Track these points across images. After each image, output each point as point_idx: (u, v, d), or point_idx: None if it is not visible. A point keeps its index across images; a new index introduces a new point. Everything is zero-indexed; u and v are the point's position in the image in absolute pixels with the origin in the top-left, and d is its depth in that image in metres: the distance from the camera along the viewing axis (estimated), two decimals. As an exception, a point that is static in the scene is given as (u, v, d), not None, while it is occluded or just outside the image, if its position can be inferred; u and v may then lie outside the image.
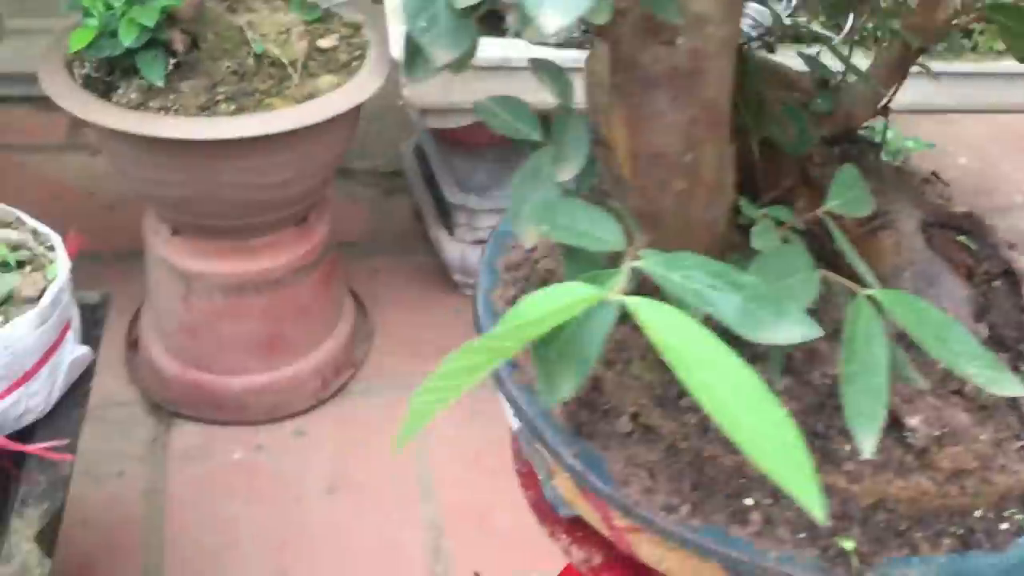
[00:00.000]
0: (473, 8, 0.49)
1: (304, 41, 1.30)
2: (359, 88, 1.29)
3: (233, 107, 1.23)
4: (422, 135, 1.81)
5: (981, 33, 1.41)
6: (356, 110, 1.31)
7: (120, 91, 1.23)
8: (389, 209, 1.91)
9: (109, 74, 1.25)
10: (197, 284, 1.41)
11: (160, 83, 1.20)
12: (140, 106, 1.21)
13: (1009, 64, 1.42)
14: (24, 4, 1.87)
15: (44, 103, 1.29)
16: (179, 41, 1.23)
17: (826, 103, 0.75)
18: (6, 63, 1.90)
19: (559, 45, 1.30)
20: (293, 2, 1.37)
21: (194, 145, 1.21)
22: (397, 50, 1.29)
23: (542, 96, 1.37)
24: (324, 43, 1.33)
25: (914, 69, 1.46)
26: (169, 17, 1.23)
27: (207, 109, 1.23)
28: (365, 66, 1.33)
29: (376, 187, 1.96)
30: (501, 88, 1.34)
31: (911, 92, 1.29)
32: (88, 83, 1.25)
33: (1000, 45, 1.42)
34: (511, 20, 1.33)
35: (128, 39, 1.13)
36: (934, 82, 1.46)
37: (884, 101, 0.75)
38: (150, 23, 1.13)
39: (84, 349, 1.02)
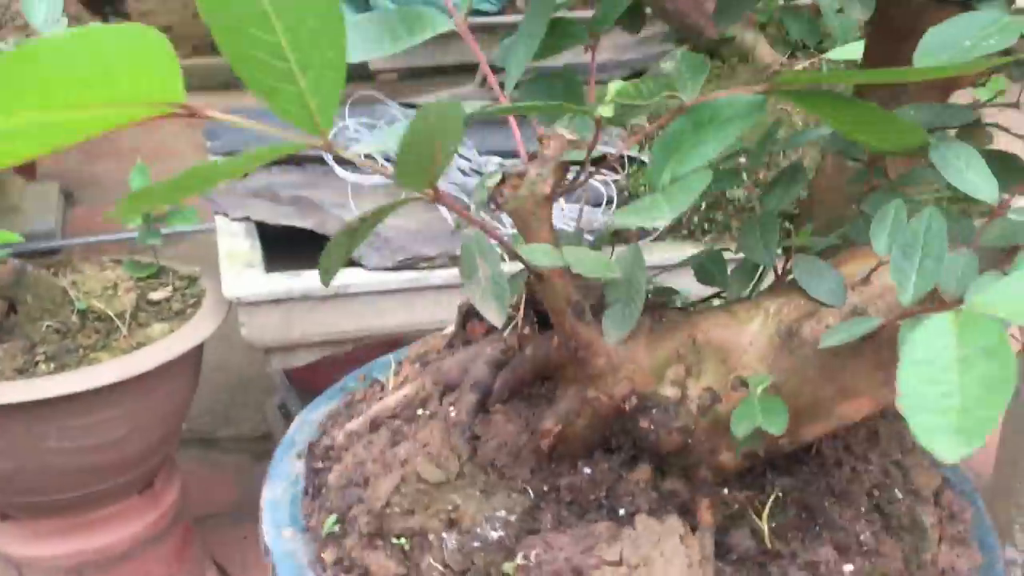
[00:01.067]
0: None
1: (132, 294, 1.26)
2: (193, 332, 1.24)
3: (53, 366, 1.16)
4: (284, 390, 1.75)
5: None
6: (193, 356, 1.26)
7: (-71, 364, 1.15)
8: (258, 474, 1.81)
9: (-80, 349, 1.18)
10: (29, 571, 1.27)
11: (-30, 347, 1.14)
12: (-49, 376, 1.14)
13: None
14: None
15: None
16: (-5, 306, 1.18)
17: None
18: None
19: (396, 268, 1.30)
20: (126, 263, 1.35)
21: (11, 410, 1.13)
22: (231, 290, 1.26)
23: (379, 320, 1.35)
24: (156, 295, 1.30)
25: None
26: (-16, 285, 1.18)
27: (25, 371, 1.16)
28: (200, 311, 1.29)
29: (243, 453, 1.86)
30: (341, 315, 1.32)
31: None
32: None
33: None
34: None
35: (-69, 304, 1.08)
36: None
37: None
38: (-46, 285, 1.09)
39: None
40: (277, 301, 1.27)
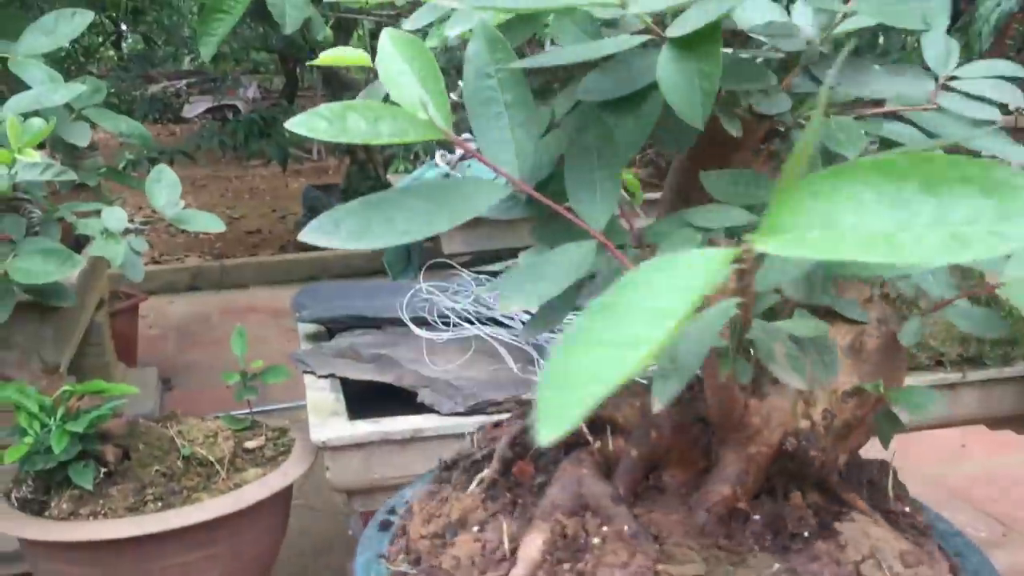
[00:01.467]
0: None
1: (230, 442, 1.40)
2: (282, 476, 1.36)
3: (160, 505, 1.29)
4: (364, 546, 1.83)
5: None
6: (283, 497, 1.37)
7: (53, 505, 1.29)
8: (339, 632, 1.87)
9: (45, 493, 1.32)
10: None
11: (89, 487, 1.27)
12: (71, 515, 1.27)
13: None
14: None
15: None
16: (110, 453, 1.32)
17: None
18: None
19: (467, 413, 1.41)
20: (224, 417, 1.49)
21: (121, 545, 1.24)
22: (318, 435, 1.38)
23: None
24: (251, 444, 1.43)
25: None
26: (102, 435, 1.33)
27: (135, 510, 1.28)
28: (290, 457, 1.41)
29: (324, 612, 1.93)
30: (418, 458, 1.43)
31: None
32: (24, 505, 1.31)
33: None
34: (423, 396, 1.45)
35: (59, 447, 1.23)
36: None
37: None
38: (79, 429, 1.23)
39: None
40: (359, 445, 1.39)
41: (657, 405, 0.61)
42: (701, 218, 0.69)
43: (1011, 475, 2.26)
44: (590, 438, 0.88)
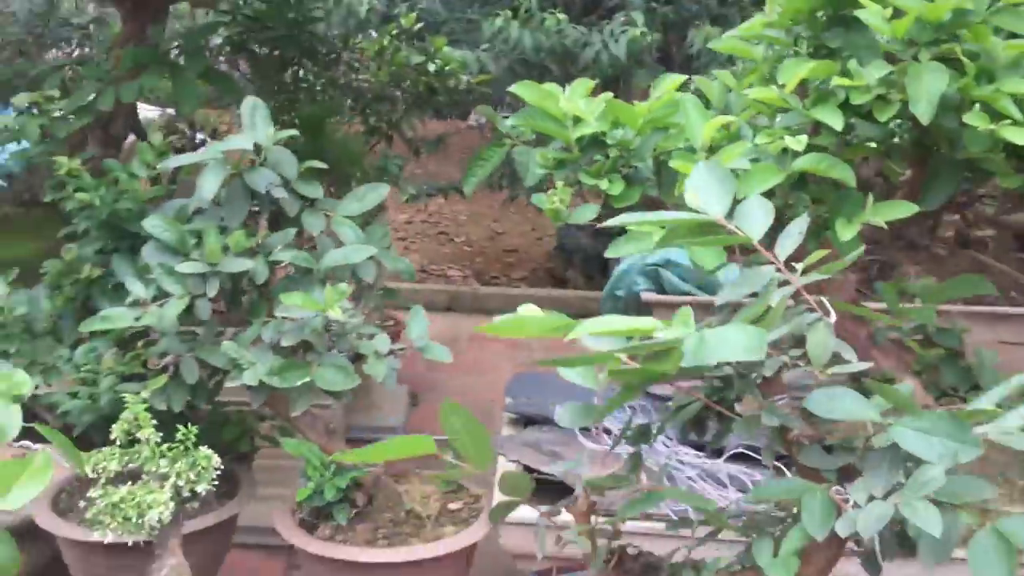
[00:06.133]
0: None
1: (439, 503, 1.98)
2: (468, 535, 1.92)
3: (387, 543, 1.90)
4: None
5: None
6: (464, 554, 1.93)
7: (319, 530, 1.93)
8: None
9: (316, 519, 1.97)
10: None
11: (343, 522, 1.90)
12: (330, 539, 1.90)
13: None
14: (273, 476, 2.62)
15: (266, 551, 2.00)
16: (360, 499, 1.95)
17: None
18: (251, 518, 2.56)
19: (606, 515, 1.91)
20: (440, 483, 2.08)
21: (356, 567, 1.86)
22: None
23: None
24: (453, 506, 2.01)
25: None
26: (357, 484, 1.96)
27: (371, 543, 1.90)
28: (477, 522, 1.98)
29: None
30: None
31: None
32: (301, 523, 1.97)
33: None
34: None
35: (329, 494, 1.86)
36: None
37: None
38: (342, 485, 1.86)
39: None
40: (527, 525, 1.92)
41: None
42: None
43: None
44: None
